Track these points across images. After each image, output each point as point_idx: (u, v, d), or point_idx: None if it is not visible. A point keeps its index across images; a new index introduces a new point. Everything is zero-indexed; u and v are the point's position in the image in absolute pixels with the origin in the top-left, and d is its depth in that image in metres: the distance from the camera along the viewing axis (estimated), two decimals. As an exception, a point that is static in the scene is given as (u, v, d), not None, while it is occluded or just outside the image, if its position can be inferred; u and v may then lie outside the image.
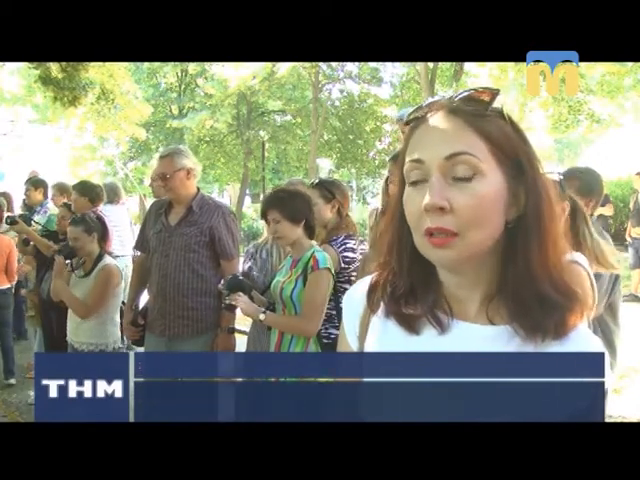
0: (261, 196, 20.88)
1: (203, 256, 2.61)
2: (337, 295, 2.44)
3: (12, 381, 4.36)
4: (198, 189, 2.72)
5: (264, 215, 2.25)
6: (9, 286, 4.34)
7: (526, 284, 0.68)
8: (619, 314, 2.40)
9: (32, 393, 4.05)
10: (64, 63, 7.83)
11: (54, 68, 8.04)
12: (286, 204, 2.18)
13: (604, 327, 2.31)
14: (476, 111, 0.68)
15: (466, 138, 0.67)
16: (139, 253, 2.96)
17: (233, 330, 2.72)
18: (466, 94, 0.69)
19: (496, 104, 0.70)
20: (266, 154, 20.73)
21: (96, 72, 8.67)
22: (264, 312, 2.18)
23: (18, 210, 5.50)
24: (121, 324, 3.04)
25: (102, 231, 3.00)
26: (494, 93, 0.69)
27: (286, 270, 2.27)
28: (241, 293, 2.21)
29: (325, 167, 25.13)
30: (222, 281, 2.36)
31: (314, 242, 2.31)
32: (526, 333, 0.68)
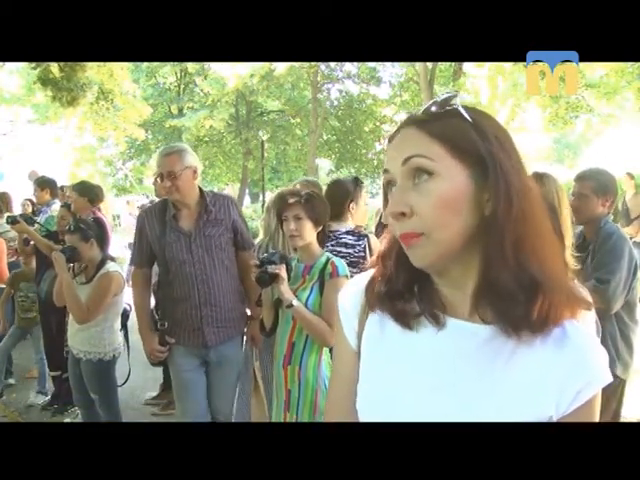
0: (261, 196, 20.92)
1: (230, 253, 2.54)
2: None
3: (11, 381, 4.36)
4: (200, 188, 2.55)
5: (283, 210, 2.13)
6: (1, 287, 4.32)
7: (494, 279, 0.68)
8: (636, 310, 2.40)
9: (32, 394, 4.05)
10: (62, 63, 7.82)
11: (53, 68, 8.04)
12: (313, 204, 2.11)
13: (621, 324, 2.32)
14: (431, 116, 0.71)
15: (419, 142, 0.70)
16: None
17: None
18: (428, 104, 0.72)
19: (458, 104, 0.71)
20: (265, 154, 20.74)
21: (96, 72, 8.69)
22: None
23: (17, 210, 5.52)
24: (125, 331, 3.00)
25: (101, 235, 2.91)
26: (450, 96, 0.71)
27: (297, 276, 2.15)
28: (282, 266, 2.08)
29: (324, 167, 25.14)
30: (261, 254, 2.25)
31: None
32: (507, 330, 0.68)
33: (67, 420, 3.69)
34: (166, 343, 2.52)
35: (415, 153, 0.69)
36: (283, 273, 2.05)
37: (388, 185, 0.74)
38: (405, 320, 0.75)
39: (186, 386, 2.61)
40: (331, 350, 2.07)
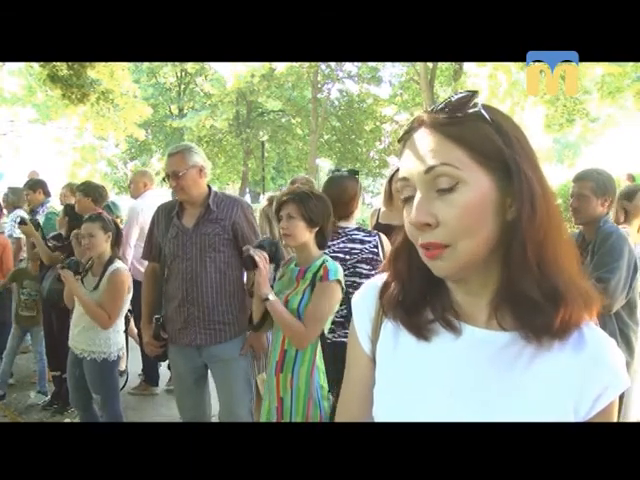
0: (261, 196, 20.93)
1: (228, 255, 2.45)
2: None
3: (11, 381, 4.36)
4: (209, 187, 2.54)
5: (279, 209, 2.08)
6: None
7: (514, 285, 0.67)
8: (636, 309, 2.39)
9: (32, 394, 4.06)
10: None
11: (61, 66, 8.03)
12: (306, 203, 2.02)
13: (621, 323, 2.32)
14: (452, 119, 0.67)
15: (443, 149, 0.66)
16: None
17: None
18: (444, 103, 0.69)
19: (480, 105, 0.68)
20: (266, 154, 20.74)
21: (97, 72, 8.69)
22: (275, 294, 1.98)
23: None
24: (126, 332, 2.99)
25: (116, 234, 2.92)
26: (470, 96, 0.68)
27: (290, 280, 2.08)
28: (267, 256, 2.01)
29: (325, 167, 25.16)
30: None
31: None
32: (529, 336, 0.68)
33: (67, 420, 3.69)
34: (160, 337, 2.53)
35: (440, 161, 0.65)
36: (261, 262, 1.98)
37: (406, 193, 0.70)
38: (420, 332, 0.74)
39: (179, 385, 2.61)
40: (324, 355, 2.01)
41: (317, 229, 2.07)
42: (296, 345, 1.98)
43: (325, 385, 2.00)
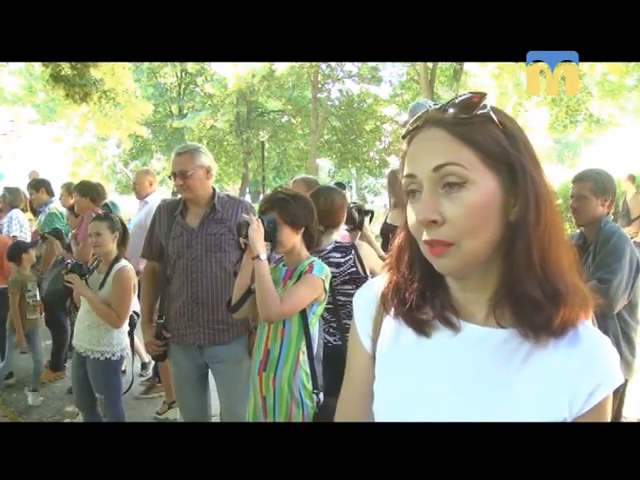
0: (261, 196, 20.98)
1: (233, 255, 2.42)
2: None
3: (11, 381, 4.36)
4: (214, 188, 2.56)
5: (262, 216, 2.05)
6: (5, 286, 4.29)
7: (516, 284, 0.68)
8: (638, 309, 2.39)
9: (30, 395, 4.05)
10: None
11: (64, 66, 8.05)
12: (286, 207, 1.99)
13: (622, 323, 2.32)
14: (461, 119, 0.67)
15: (451, 148, 0.67)
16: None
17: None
18: (452, 102, 0.69)
19: (488, 107, 0.68)
20: (266, 154, 20.76)
21: (98, 71, 8.71)
22: (266, 256, 1.93)
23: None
24: (130, 333, 2.99)
25: (123, 233, 2.93)
26: (480, 97, 0.68)
27: (277, 281, 2.03)
28: (262, 223, 1.95)
29: (325, 167, 25.18)
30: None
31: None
32: (527, 334, 0.69)
33: (67, 420, 3.69)
34: (163, 337, 2.53)
35: (449, 161, 0.66)
36: (256, 224, 1.91)
37: (411, 190, 0.71)
38: (421, 328, 0.75)
39: (181, 385, 2.60)
40: (307, 347, 1.99)
41: (303, 230, 2.04)
42: (263, 314, 1.93)
43: (308, 385, 1.97)
